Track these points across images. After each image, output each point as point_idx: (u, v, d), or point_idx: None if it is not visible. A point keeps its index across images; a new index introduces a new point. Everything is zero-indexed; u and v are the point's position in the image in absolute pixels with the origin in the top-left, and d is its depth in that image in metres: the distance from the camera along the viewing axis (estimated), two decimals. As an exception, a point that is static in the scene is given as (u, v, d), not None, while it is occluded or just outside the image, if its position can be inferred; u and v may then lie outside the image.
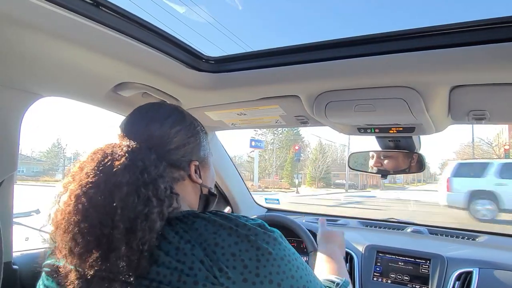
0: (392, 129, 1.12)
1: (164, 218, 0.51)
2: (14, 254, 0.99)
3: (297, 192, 23.23)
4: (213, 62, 0.98)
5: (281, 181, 31.44)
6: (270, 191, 22.66)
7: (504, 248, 1.33)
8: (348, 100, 0.94)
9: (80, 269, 0.49)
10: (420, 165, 1.31)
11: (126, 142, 0.57)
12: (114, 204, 0.49)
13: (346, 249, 1.32)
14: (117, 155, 0.54)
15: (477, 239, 1.44)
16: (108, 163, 0.52)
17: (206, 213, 0.55)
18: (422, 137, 1.28)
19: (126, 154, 0.54)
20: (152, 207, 0.50)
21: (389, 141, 1.29)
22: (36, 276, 1.01)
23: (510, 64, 0.70)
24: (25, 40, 0.68)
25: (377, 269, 1.27)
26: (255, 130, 32.86)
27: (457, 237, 1.47)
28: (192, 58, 0.93)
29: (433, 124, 1.03)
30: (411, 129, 1.09)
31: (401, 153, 1.32)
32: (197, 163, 0.64)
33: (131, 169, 0.52)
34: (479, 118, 0.98)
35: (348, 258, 1.30)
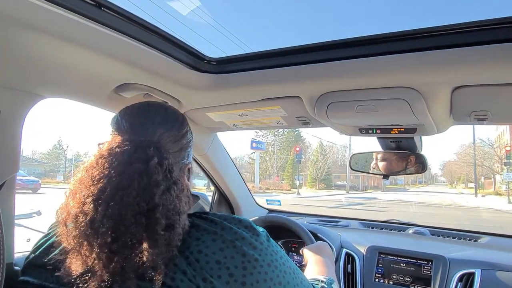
0: (394, 130, 1.12)
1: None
2: (16, 256, 0.99)
3: (298, 193, 23.20)
4: (214, 63, 0.98)
5: (282, 183, 31.43)
6: (271, 193, 22.64)
7: (506, 249, 1.32)
8: (350, 101, 0.94)
9: (104, 272, 0.46)
10: (422, 166, 1.30)
11: (143, 141, 0.53)
12: (156, 202, 0.47)
13: (348, 250, 1.32)
14: (144, 153, 0.51)
15: (479, 240, 1.44)
16: (137, 161, 0.50)
17: (191, 216, 0.53)
18: (423, 138, 1.28)
19: (155, 154, 0.51)
20: (183, 205, 0.50)
21: (391, 142, 1.29)
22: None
23: None
24: (27, 41, 0.68)
25: (379, 270, 1.26)
26: (255, 132, 32.95)
27: (459, 238, 1.47)
28: (194, 59, 0.93)
29: (435, 125, 1.03)
30: (412, 130, 1.09)
31: (403, 154, 1.31)
32: (190, 165, 0.64)
33: (161, 169, 0.51)
34: (481, 118, 0.97)
35: (350, 259, 1.30)
